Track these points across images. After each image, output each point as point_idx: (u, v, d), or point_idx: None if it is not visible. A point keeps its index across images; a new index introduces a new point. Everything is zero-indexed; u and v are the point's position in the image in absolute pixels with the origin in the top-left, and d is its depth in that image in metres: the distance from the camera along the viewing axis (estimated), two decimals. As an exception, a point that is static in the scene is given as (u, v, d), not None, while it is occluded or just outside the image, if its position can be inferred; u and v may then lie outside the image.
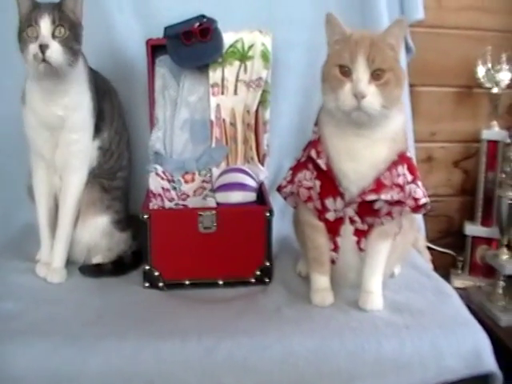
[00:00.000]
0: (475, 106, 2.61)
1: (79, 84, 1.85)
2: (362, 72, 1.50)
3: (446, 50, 2.54)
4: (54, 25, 1.71)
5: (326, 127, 1.64)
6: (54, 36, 1.71)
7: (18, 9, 1.75)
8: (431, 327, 1.61)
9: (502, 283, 2.25)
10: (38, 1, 1.75)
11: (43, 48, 1.69)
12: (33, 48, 1.70)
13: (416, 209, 1.67)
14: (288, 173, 1.79)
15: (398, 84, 1.54)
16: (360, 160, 1.58)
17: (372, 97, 1.50)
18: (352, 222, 1.67)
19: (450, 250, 2.60)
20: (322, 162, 1.62)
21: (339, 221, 1.68)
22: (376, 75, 1.51)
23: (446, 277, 2.29)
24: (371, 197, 1.59)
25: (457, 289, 1.93)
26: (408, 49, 2.41)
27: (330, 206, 1.66)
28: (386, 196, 1.59)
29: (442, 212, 2.65)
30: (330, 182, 1.62)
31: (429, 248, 2.37)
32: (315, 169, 1.65)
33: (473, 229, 2.52)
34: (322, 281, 1.73)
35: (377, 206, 1.61)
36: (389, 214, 1.64)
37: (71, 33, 1.74)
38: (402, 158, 1.61)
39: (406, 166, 1.62)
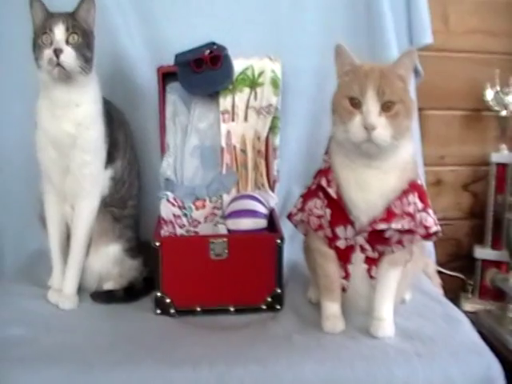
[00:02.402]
0: (484, 129, 2.61)
1: (92, 100, 1.87)
2: (371, 104, 1.50)
3: (454, 73, 2.55)
4: (67, 32, 1.76)
5: (336, 157, 1.64)
6: (67, 42, 1.76)
7: (32, 19, 1.80)
8: (443, 355, 1.59)
9: (512, 307, 2.26)
10: (52, 11, 1.80)
11: (57, 52, 1.73)
12: (47, 53, 1.75)
13: (427, 237, 1.67)
14: (298, 200, 1.79)
15: (408, 115, 1.55)
16: (370, 190, 1.59)
17: (382, 128, 1.50)
18: (363, 249, 1.67)
19: (460, 274, 2.59)
20: (332, 191, 1.62)
21: (350, 248, 1.68)
22: (386, 107, 1.51)
23: (456, 300, 2.29)
24: (382, 226, 1.59)
25: (466, 312, 1.93)
26: (416, 73, 2.41)
27: (341, 234, 1.66)
28: (396, 225, 1.59)
29: (451, 235, 2.64)
30: (340, 211, 1.62)
31: (438, 272, 2.35)
32: (326, 197, 1.65)
33: (482, 252, 2.51)
34: (333, 308, 1.73)
35: (387, 234, 1.61)
36: (399, 242, 1.64)
37: (84, 40, 1.79)
38: (412, 187, 1.61)
39: (416, 195, 1.62)
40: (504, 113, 2.45)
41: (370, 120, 1.49)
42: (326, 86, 2.25)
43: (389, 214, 1.58)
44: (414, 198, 1.61)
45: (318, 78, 2.32)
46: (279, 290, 1.87)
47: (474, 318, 2.18)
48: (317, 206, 1.68)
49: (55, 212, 1.94)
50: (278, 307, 1.87)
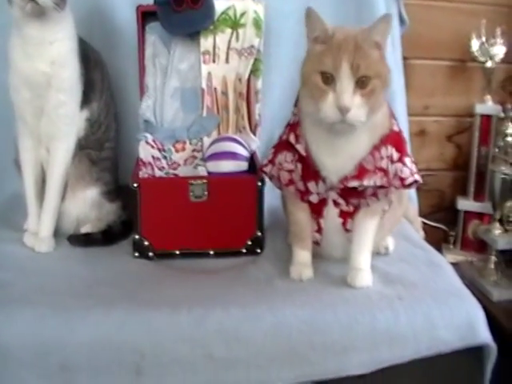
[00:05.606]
0: (469, 80, 2.58)
1: (66, 37, 1.82)
2: (345, 82, 1.42)
3: (440, 22, 2.52)
4: None
5: (305, 116, 1.58)
6: None
7: None
8: (425, 299, 1.59)
9: (493, 258, 2.26)
10: None
11: None
12: None
13: (404, 187, 1.63)
14: (270, 151, 1.74)
15: (384, 88, 1.47)
16: (340, 153, 1.54)
17: (357, 109, 1.43)
18: (336, 204, 1.64)
19: (442, 225, 2.60)
20: (300, 148, 1.58)
21: (322, 202, 1.65)
22: (361, 83, 1.43)
23: (438, 251, 2.28)
24: (353, 183, 1.56)
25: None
26: (402, 21, 2.38)
27: (313, 189, 1.62)
28: (368, 182, 1.55)
29: (434, 186, 2.63)
30: (310, 167, 1.58)
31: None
32: (296, 152, 1.61)
33: (465, 203, 2.52)
34: (302, 255, 1.71)
35: (360, 188, 1.58)
36: (374, 194, 1.61)
37: None
38: (385, 140, 1.56)
39: (390, 146, 1.57)
40: (489, 64, 2.43)
41: (343, 101, 1.41)
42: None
43: (360, 171, 1.55)
44: (387, 151, 1.56)
45: (303, 23, 2.26)
46: (260, 234, 1.85)
47: (456, 269, 2.15)
48: (287, 159, 1.64)
49: (30, 155, 1.91)
50: (259, 251, 1.86)
